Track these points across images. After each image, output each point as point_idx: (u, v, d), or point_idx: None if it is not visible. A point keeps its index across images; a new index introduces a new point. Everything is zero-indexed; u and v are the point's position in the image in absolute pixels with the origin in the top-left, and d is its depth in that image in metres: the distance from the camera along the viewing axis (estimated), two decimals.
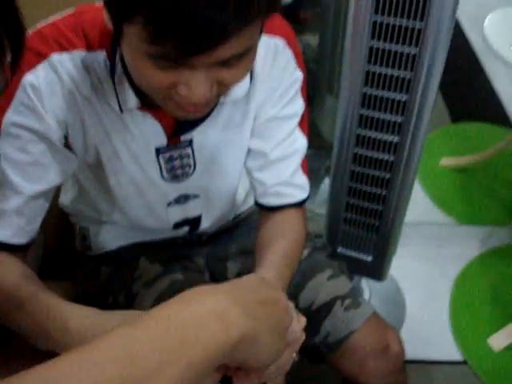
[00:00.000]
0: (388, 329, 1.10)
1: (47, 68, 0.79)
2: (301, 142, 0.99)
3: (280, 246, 0.95)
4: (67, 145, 0.87)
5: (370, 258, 1.33)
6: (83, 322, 0.76)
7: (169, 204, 1.00)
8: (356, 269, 1.37)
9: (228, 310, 0.51)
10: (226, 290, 0.55)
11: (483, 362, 1.58)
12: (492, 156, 1.96)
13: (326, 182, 1.94)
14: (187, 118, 0.80)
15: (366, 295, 1.62)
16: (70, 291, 1.16)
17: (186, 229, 1.08)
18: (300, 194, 1.01)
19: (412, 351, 1.22)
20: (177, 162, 0.94)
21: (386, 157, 1.10)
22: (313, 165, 1.34)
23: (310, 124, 1.03)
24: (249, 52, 0.70)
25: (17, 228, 0.86)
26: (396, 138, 1.06)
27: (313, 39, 1.86)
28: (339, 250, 1.34)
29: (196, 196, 1.01)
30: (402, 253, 1.44)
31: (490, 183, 2.02)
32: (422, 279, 1.73)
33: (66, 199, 1.07)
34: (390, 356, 1.08)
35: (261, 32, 0.71)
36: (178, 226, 1.06)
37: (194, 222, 1.07)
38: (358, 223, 1.27)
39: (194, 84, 0.69)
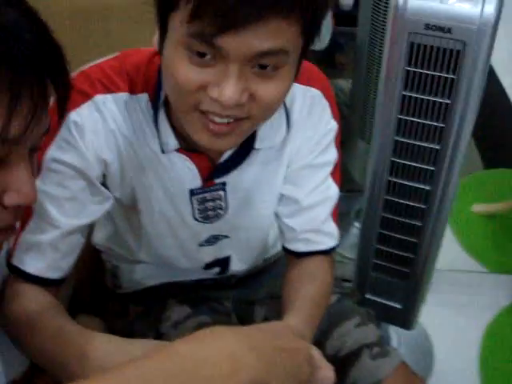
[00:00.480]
0: (416, 378, 1.08)
1: (91, 107, 0.83)
2: (333, 190, 1.02)
3: (308, 292, 0.95)
4: (104, 183, 0.90)
5: (399, 306, 1.31)
6: (102, 348, 0.76)
7: (200, 244, 1.02)
8: (384, 316, 1.36)
9: (241, 351, 0.52)
10: (244, 333, 0.56)
11: None
12: None
13: (356, 226, 1.94)
14: (212, 146, 0.79)
15: (394, 343, 1.60)
16: (99, 327, 1.17)
17: (216, 270, 1.09)
18: (329, 242, 1.02)
19: None
20: (209, 204, 0.96)
21: (417, 204, 1.10)
22: (343, 208, 1.33)
23: (341, 167, 1.04)
24: (281, 61, 0.71)
25: (51, 262, 0.87)
26: (428, 187, 1.06)
27: (346, 84, 1.88)
28: (368, 296, 1.33)
29: (226, 237, 1.02)
30: (431, 299, 1.42)
31: None
32: (452, 327, 1.70)
33: (98, 237, 1.09)
34: None
35: (301, 58, 0.75)
36: (209, 266, 1.07)
37: (224, 262, 1.08)
38: (388, 270, 1.26)
39: (226, 82, 0.69)
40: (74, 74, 0.84)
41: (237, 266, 1.10)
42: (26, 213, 0.84)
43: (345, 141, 1.87)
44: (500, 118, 2.20)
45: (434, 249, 1.17)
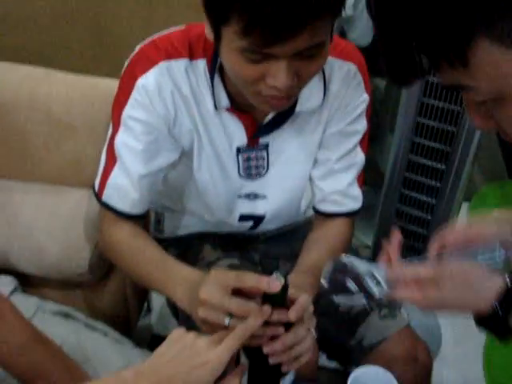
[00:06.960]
0: (419, 342, 1.13)
1: (156, 72, 0.97)
2: (360, 157, 1.11)
3: (322, 252, 1.06)
4: (171, 136, 1.03)
5: None
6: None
7: (239, 196, 1.13)
8: None
9: None
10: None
11: None
12: None
13: None
14: (274, 110, 0.95)
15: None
16: None
17: (250, 223, 1.18)
18: (353, 205, 1.12)
19: None
20: (253, 162, 1.08)
21: (432, 183, 1.21)
22: (369, 201, 1.42)
23: (371, 161, 1.12)
24: (321, 48, 0.82)
25: (131, 201, 1.04)
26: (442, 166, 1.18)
27: (381, 82, 2.00)
28: None
29: (264, 197, 1.14)
30: None
31: None
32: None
33: None
34: (418, 365, 1.12)
35: (331, 33, 0.85)
36: (243, 218, 1.16)
37: (258, 219, 1.18)
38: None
39: (278, 73, 0.81)
40: (144, 43, 0.99)
41: (268, 224, 1.19)
42: (111, 159, 1.03)
43: (376, 134, 1.97)
44: None
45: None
